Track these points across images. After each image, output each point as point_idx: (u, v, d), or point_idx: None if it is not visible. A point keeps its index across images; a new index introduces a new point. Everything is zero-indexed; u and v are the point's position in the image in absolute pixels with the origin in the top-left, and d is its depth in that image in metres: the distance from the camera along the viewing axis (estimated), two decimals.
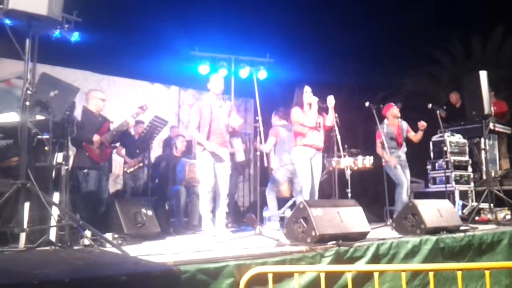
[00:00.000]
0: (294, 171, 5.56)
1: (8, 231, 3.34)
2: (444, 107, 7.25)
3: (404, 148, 6.39)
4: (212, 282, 2.92)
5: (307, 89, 5.38)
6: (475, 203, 6.73)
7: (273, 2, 8.68)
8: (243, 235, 4.49)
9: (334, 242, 3.68)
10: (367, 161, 6.70)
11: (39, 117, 3.59)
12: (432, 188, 7.14)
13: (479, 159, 7.32)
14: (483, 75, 6.12)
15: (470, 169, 7.20)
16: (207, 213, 4.88)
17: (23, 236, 3.24)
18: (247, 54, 8.56)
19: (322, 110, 5.32)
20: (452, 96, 8.29)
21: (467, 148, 7.27)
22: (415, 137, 6.42)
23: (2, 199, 3.13)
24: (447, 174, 6.77)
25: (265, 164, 4.81)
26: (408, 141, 6.49)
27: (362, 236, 4.03)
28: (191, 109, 5.29)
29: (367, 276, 3.52)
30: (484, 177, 6.89)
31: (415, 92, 10.01)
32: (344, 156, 5.89)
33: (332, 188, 6.20)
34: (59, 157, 3.81)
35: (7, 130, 3.65)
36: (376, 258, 3.83)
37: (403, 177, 6.11)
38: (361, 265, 3.68)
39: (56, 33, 6.68)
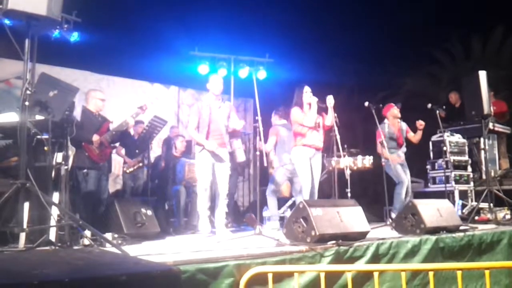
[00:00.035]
0: (293, 170, 5.56)
1: (8, 231, 3.34)
2: (444, 107, 7.28)
3: (403, 149, 6.40)
4: (212, 282, 2.92)
5: (307, 89, 5.38)
6: (474, 203, 6.73)
7: (273, 2, 8.68)
8: (243, 235, 4.48)
9: (334, 242, 3.68)
10: (366, 161, 6.70)
11: (39, 117, 3.59)
12: (432, 188, 7.15)
13: (478, 159, 7.32)
14: (482, 75, 6.13)
15: (469, 169, 7.20)
16: (204, 211, 4.88)
17: (22, 236, 3.24)
18: (247, 54, 8.55)
19: (322, 110, 5.32)
20: (452, 96, 8.29)
21: (466, 148, 7.27)
22: (414, 137, 6.43)
23: (2, 199, 3.13)
24: (447, 174, 6.78)
25: (265, 164, 4.81)
26: (407, 141, 6.50)
27: (362, 236, 4.03)
28: (190, 110, 5.29)
29: (367, 276, 3.52)
30: (484, 176, 6.89)
31: (415, 92, 10.01)
32: (344, 156, 5.88)
33: (332, 188, 6.20)
34: (58, 157, 3.81)
35: (6, 130, 3.65)
36: (376, 258, 3.83)
37: (404, 175, 6.12)
38: (361, 265, 3.68)
39: (56, 33, 6.67)
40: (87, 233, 3.61)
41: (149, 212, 4.77)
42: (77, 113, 4.47)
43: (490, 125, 7.10)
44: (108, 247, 3.50)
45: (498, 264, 3.84)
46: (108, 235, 3.95)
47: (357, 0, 9.32)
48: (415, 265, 3.94)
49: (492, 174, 7.09)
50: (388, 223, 5.47)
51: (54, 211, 3.52)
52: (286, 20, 8.78)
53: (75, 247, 3.50)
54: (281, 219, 6.09)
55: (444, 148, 6.48)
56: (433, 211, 4.74)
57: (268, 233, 4.56)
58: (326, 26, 9.30)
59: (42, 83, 3.65)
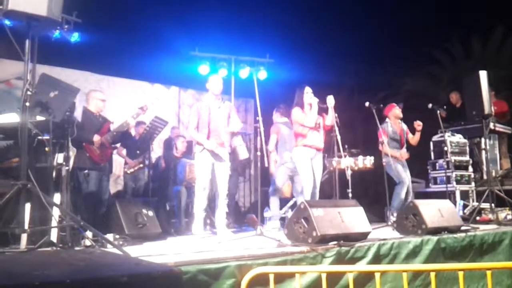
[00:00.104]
0: (294, 169, 5.56)
1: (9, 232, 3.34)
2: (444, 107, 7.27)
3: (404, 149, 6.39)
4: (213, 283, 2.92)
5: (308, 90, 5.39)
6: (476, 203, 6.72)
7: (273, 2, 8.69)
8: (244, 236, 4.48)
9: (335, 242, 3.68)
10: (367, 161, 6.69)
11: (39, 118, 3.59)
12: (433, 188, 7.15)
13: (479, 159, 7.32)
14: (483, 75, 6.12)
15: (470, 169, 7.20)
16: (200, 212, 4.89)
17: (24, 237, 3.25)
18: (247, 54, 8.55)
19: (322, 110, 5.33)
20: (452, 96, 8.29)
21: (467, 148, 7.27)
22: (413, 139, 6.42)
23: (3, 200, 3.13)
24: (448, 174, 6.77)
25: (265, 165, 4.80)
26: (406, 143, 6.49)
27: (363, 236, 4.02)
28: (190, 110, 5.30)
29: (368, 277, 3.51)
30: (485, 177, 6.89)
31: (415, 92, 10.01)
32: (345, 156, 5.88)
33: (333, 189, 6.18)
34: (59, 157, 3.81)
35: (7, 131, 3.65)
36: (377, 259, 3.83)
37: (404, 175, 6.12)
38: (363, 266, 3.68)
39: (56, 33, 6.67)
40: (89, 234, 3.61)
41: (150, 213, 4.76)
42: (78, 114, 4.45)
43: (491, 125, 7.11)
44: (109, 248, 3.50)
45: (499, 265, 3.84)
46: (109, 236, 3.95)
47: (357, 0, 9.32)
48: (417, 265, 3.94)
49: (493, 174, 7.09)
50: (389, 223, 5.47)
51: (55, 212, 3.51)
52: (286, 20, 8.78)
53: (77, 248, 3.50)
54: (282, 219, 6.09)
55: (445, 148, 6.48)
56: (434, 211, 4.73)
57: (270, 233, 4.55)
58: (326, 26, 9.30)
59: (42, 83, 3.65)
